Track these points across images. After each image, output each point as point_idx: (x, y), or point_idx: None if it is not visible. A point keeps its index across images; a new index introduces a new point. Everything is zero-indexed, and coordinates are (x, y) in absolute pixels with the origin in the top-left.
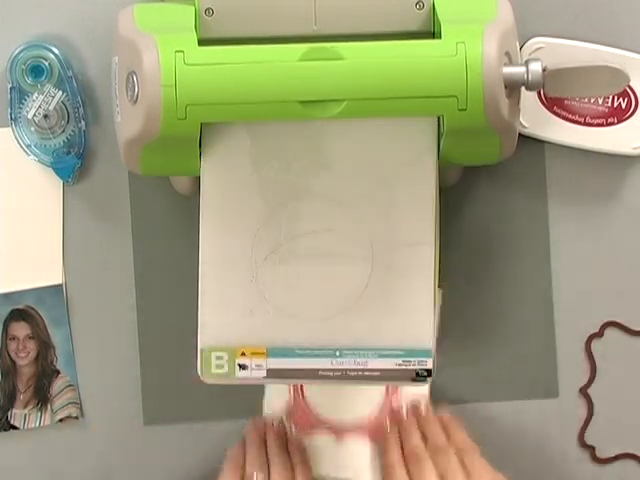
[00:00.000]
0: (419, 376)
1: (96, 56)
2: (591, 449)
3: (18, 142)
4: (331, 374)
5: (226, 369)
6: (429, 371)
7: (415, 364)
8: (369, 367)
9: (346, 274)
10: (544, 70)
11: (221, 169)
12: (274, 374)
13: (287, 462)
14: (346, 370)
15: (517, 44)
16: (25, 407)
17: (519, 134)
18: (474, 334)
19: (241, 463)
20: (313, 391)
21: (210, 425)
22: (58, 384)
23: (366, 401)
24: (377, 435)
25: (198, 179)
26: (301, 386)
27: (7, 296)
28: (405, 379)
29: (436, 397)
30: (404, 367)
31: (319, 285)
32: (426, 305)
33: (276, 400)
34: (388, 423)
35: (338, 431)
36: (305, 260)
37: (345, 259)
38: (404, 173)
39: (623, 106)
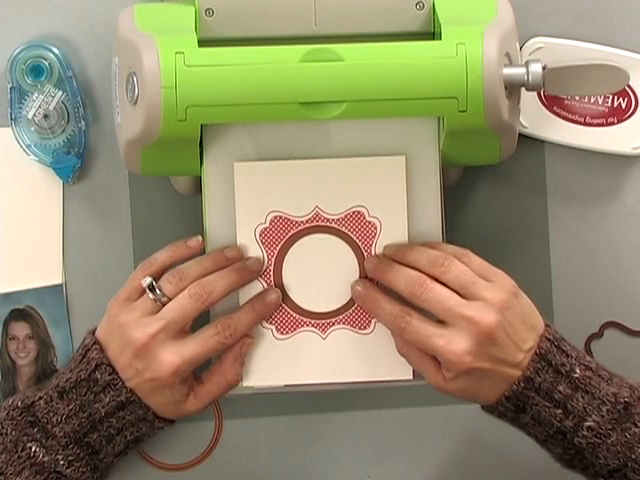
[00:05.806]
0: None
1: (96, 56)
2: None
3: (18, 142)
4: None
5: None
6: None
7: None
8: None
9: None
10: (544, 69)
11: (224, 170)
12: None
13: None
14: None
15: (517, 44)
16: None
17: (519, 134)
18: None
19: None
20: (292, 287)
21: (210, 425)
22: None
23: (342, 288)
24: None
25: (198, 179)
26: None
27: (7, 296)
28: (421, 378)
29: (436, 397)
30: None
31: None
32: None
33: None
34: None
35: (321, 325)
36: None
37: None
38: (407, 171)
39: (623, 106)
